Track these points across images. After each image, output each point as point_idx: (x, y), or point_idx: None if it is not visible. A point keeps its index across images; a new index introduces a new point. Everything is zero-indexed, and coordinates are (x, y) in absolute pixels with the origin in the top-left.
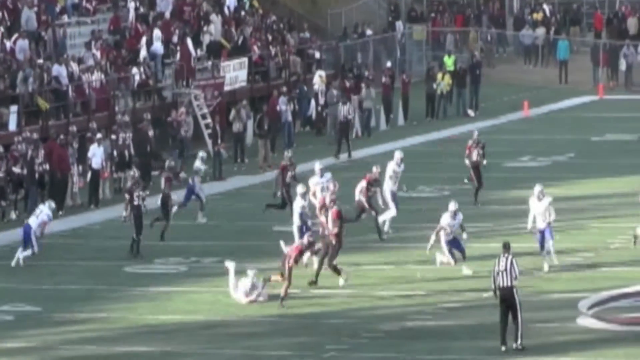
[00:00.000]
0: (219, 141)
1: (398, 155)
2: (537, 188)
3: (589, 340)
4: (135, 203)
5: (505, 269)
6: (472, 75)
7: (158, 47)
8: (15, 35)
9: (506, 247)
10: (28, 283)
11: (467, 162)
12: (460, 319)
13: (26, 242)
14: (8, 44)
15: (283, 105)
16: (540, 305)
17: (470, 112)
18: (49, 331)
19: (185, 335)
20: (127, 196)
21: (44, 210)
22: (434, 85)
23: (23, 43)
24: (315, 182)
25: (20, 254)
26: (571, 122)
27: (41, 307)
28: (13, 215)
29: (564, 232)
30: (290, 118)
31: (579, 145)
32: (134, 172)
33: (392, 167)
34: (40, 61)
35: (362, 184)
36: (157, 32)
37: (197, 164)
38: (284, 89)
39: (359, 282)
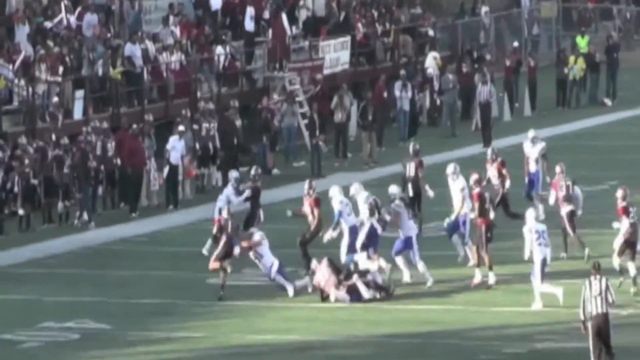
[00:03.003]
0: (317, 133)
1: None
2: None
3: None
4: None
5: (600, 293)
6: (609, 59)
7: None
8: (79, 9)
9: (596, 267)
10: (95, 296)
11: None
12: None
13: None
14: (72, 19)
15: (397, 91)
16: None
17: (607, 101)
18: (119, 352)
19: (279, 357)
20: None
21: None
22: (566, 70)
23: (91, 18)
24: None
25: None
26: None
27: (110, 324)
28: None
29: None
30: (407, 106)
31: None
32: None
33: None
34: (109, 36)
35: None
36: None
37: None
38: (403, 72)
39: (481, 296)
